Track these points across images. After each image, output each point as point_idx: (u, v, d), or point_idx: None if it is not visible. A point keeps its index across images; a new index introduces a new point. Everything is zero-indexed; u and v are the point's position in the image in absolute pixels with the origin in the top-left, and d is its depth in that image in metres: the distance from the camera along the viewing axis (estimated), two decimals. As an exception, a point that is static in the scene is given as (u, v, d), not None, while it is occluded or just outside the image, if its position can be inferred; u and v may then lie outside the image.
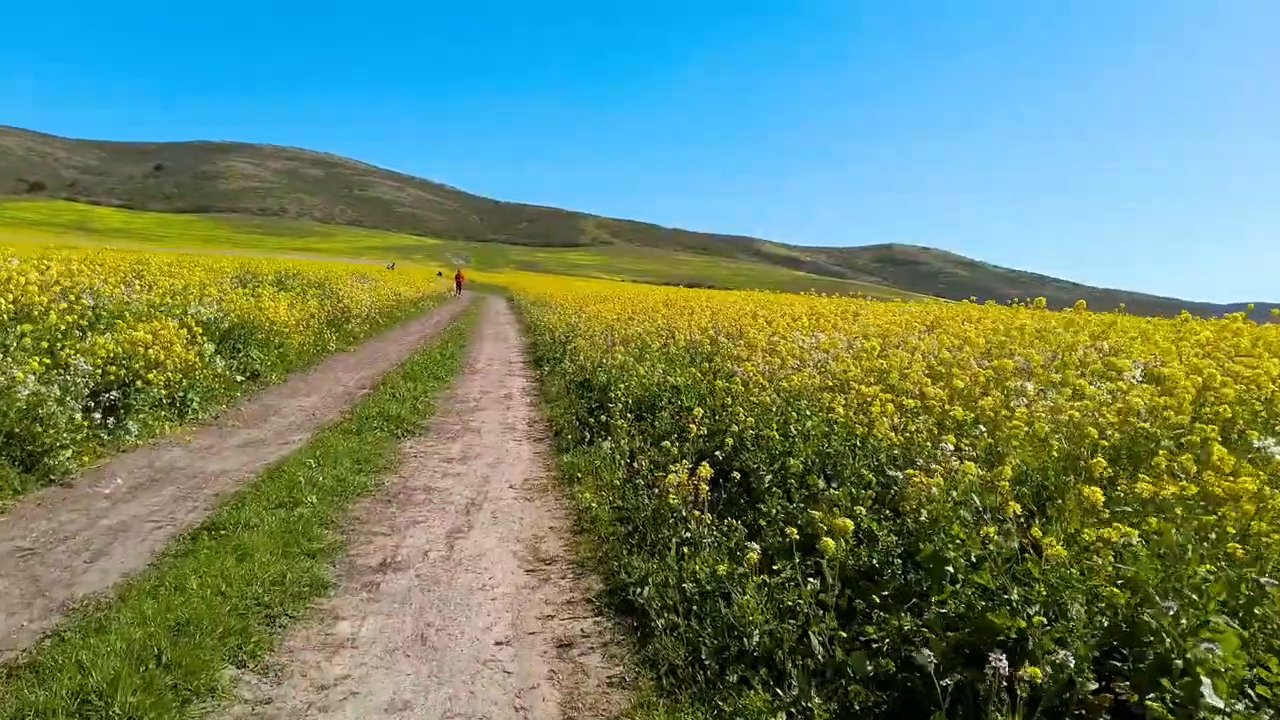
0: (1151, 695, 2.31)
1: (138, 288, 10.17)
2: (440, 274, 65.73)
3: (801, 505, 4.22)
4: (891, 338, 6.45)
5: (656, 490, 5.11)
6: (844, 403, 4.70)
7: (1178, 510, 2.80)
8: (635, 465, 6.01)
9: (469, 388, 11.42)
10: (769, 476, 4.57)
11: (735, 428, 5.24)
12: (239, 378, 9.91)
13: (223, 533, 4.81)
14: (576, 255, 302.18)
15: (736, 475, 4.79)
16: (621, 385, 7.78)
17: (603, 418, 7.91)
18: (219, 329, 9.96)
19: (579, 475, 6.35)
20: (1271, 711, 2.25)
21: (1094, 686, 2.47)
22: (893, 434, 4.14)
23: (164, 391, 7.52)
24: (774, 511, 4.26)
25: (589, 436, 7.42)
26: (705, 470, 4.56)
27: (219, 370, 8.80)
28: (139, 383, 7.15)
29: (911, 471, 3.60)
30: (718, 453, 5.10)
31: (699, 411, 5.55)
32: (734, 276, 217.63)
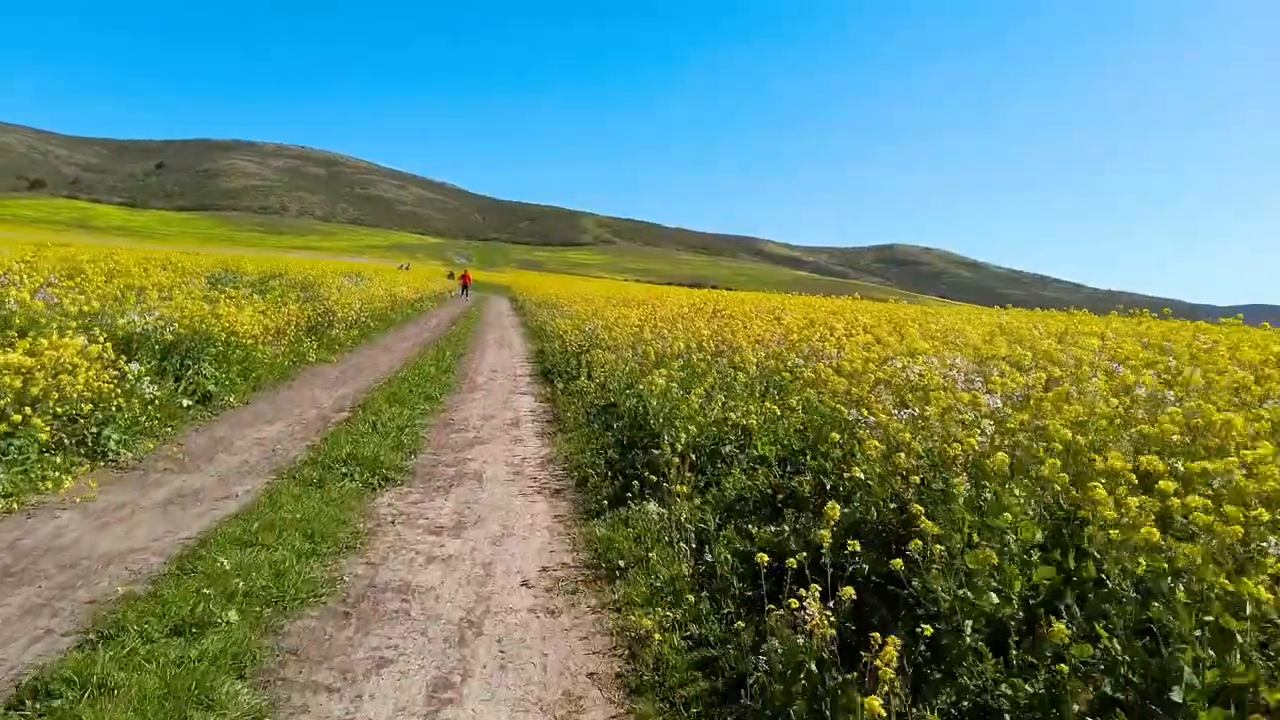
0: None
1: (66, 291, 8.29)
2: (404, 266, 64.55)
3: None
4: (1060, 365, 4.53)
5: (751, 612, 3.28)
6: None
7: None
8: (708, 554, 4.14)
9: (468, 410, 9.54)
10: (970, 627, 2.67)
11: (876, 513, 3.37)
12: (185, 402, 8.04)
13: (56, 703, 2.93)
14: (578, 254, 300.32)
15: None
16: (666, 419, 5.91)
17: (639, 459, 6.06)
18: (158, 342, 8.08)
19: (621, 564, 4.47)
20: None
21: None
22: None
23: (50, 433, 5.64)
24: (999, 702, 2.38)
25: (624, 489, 5.54)
26: (848, 593, 2.77)
27: (151, 396, 6.90)
28: (16, 419, 5.28)
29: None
30: (856, 557, 3.21)
31: (805, 484, 3.69)
32: (736, 276, 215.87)
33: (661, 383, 6.12)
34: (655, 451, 5.43)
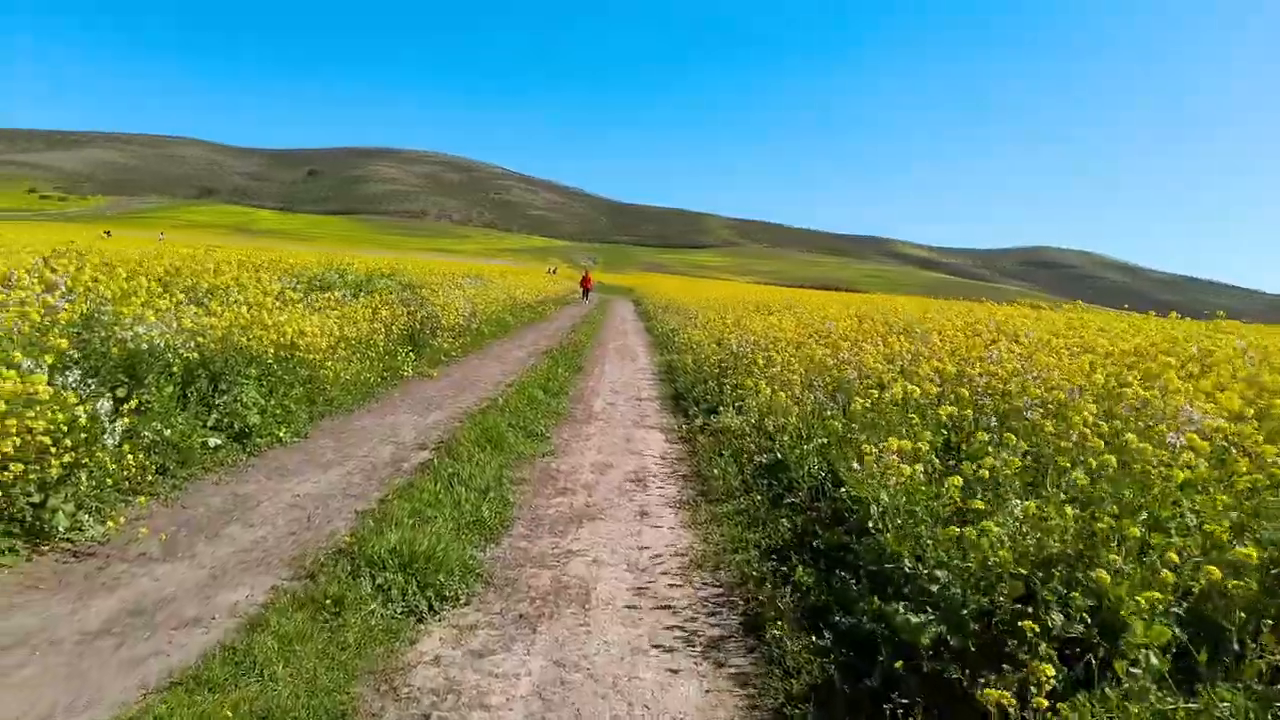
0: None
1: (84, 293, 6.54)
2: (552, 270, 63.24)
3: None
4: None
5: None
6: None
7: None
8: None
9: (580, 455, 7.20)
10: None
11: None
12: (212, 441, 6.10)
13: None
14: (703, 256, 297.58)
15: None
16: (909, 534, 3.32)
17: (864, 604, 3.54)
18: (177, 361, 6.16)
19: None
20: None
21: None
22: None
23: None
24: None
25: (857, 677, 3.01)
26: None
27: (118, 444, 4.88)
28: None
29: None
30: None
31: None
32: (867, 278, 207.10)
33: (895, 467, 3.52)
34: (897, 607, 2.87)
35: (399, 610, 3.85)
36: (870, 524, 3.70)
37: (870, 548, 3.60)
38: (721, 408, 8.20)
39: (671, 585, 4.34)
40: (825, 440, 5.53)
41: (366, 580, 4.05)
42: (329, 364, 8.25)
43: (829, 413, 5.79)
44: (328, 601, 3.78)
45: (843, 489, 4.55)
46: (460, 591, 4.11)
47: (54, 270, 7.47)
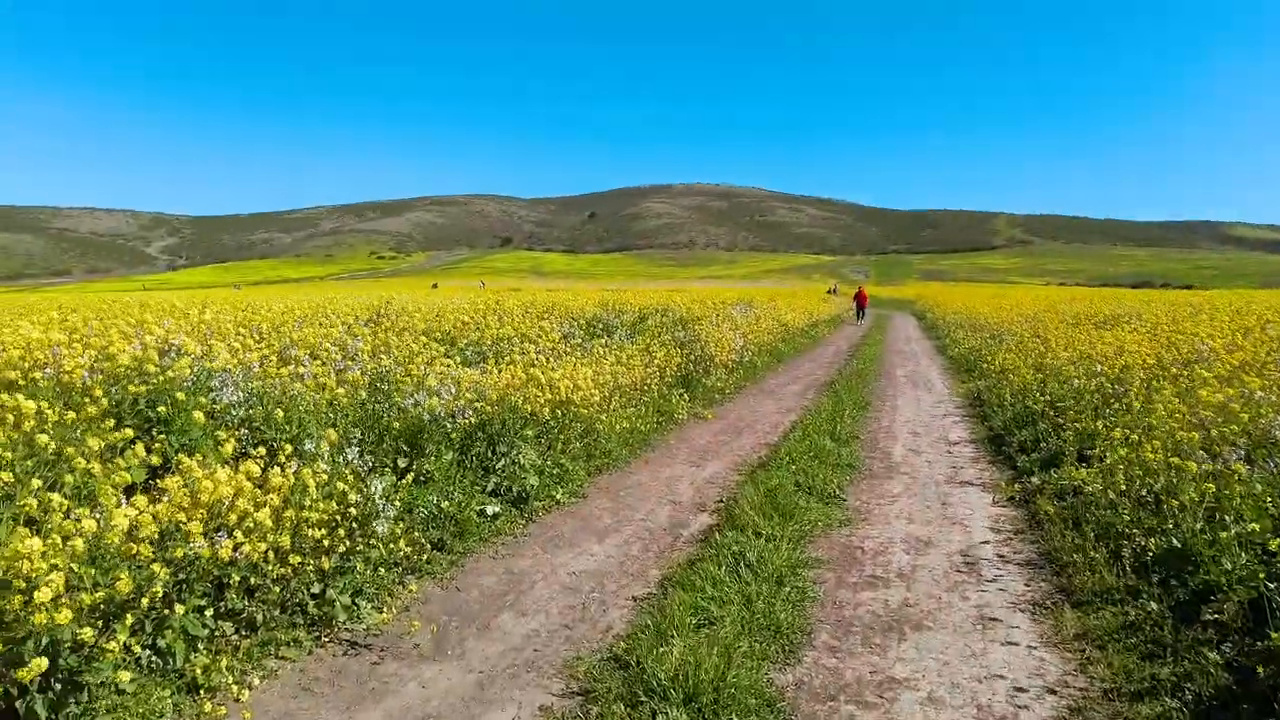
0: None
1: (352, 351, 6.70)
2: (832, 290, 59.99)
3: None
4: None
5: None
6: None
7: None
8: None
9: (883, 524, 6.01)
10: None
11: None
12: (490, 509, 5.85)
13: None
14: (989, 259, 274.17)
15: None
16: None
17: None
18: (456, 428, 6.00)
19: None
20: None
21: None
22: None
23: (208, 627, 3.49)
24: None
25: None
26: None
27: (389, 531, 4.63)
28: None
29: None
30: None
31: None
32: (1195, 270, 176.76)
33: None
34: None
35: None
36: None
37: None
38: (1063, 459, 6.56)
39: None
40: (1255, 526, 3.89)
41: (645, 715, 3.31)
42: (604, 416, 7.88)
43: (1253, 483, 4.12)
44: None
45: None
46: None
47: (354, 336, 7.86)
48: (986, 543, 5.53)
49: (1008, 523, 5.96)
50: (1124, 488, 5.10)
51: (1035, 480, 6.59)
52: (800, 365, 17.60)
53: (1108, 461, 5.49)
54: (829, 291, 59.21)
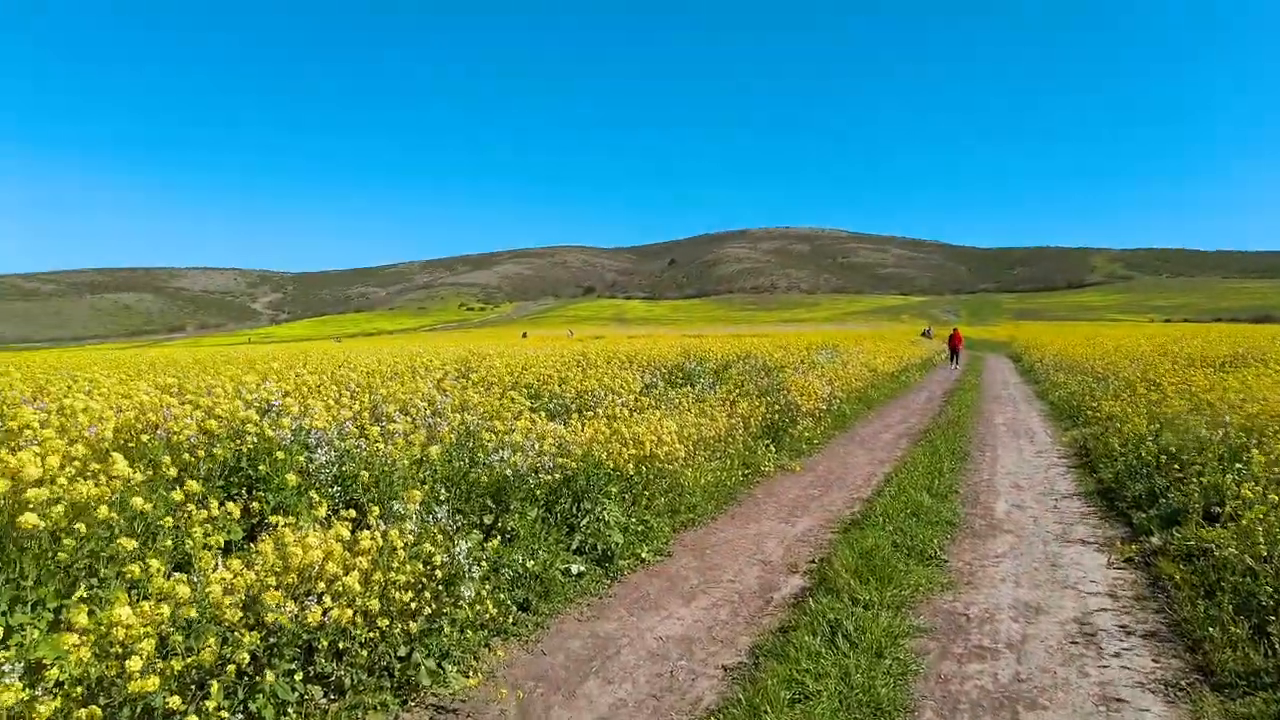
0: None
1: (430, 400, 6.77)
2: (926, 333, 57.85)
3: None
4: None
5: None
6: None
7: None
8: None
9: (990, 593, 5.61)
10: None
11: None
12: (575, 568, 5.77)
13: None
14: (1086, 296, 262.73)
15: None
16: None
17: None
18: (541, 484, 5.98)
19: None
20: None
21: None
22: None
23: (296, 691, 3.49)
24: None
25: None
26: None
27: (474, 594, 4.57)
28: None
29: None
30: None
31: None
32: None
33: None
34: None
35: None
36: None
37: None
38: (1186, 517, 6.05)
39: None
40: None
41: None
42: (688, 470, 7.74)
43: None
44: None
45: None
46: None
47: (444, 391, 7.99)
48: (1105, 610, 5.10)
49: (1127, 587, 5.50)
50: (1265, 552, 4.63)
51: (1155, 540, 6.09)
52: (892, 412, 17.05)
53: (1243, 521, 5.01)
54: (923, 334, 57.01)
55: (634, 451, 6.79)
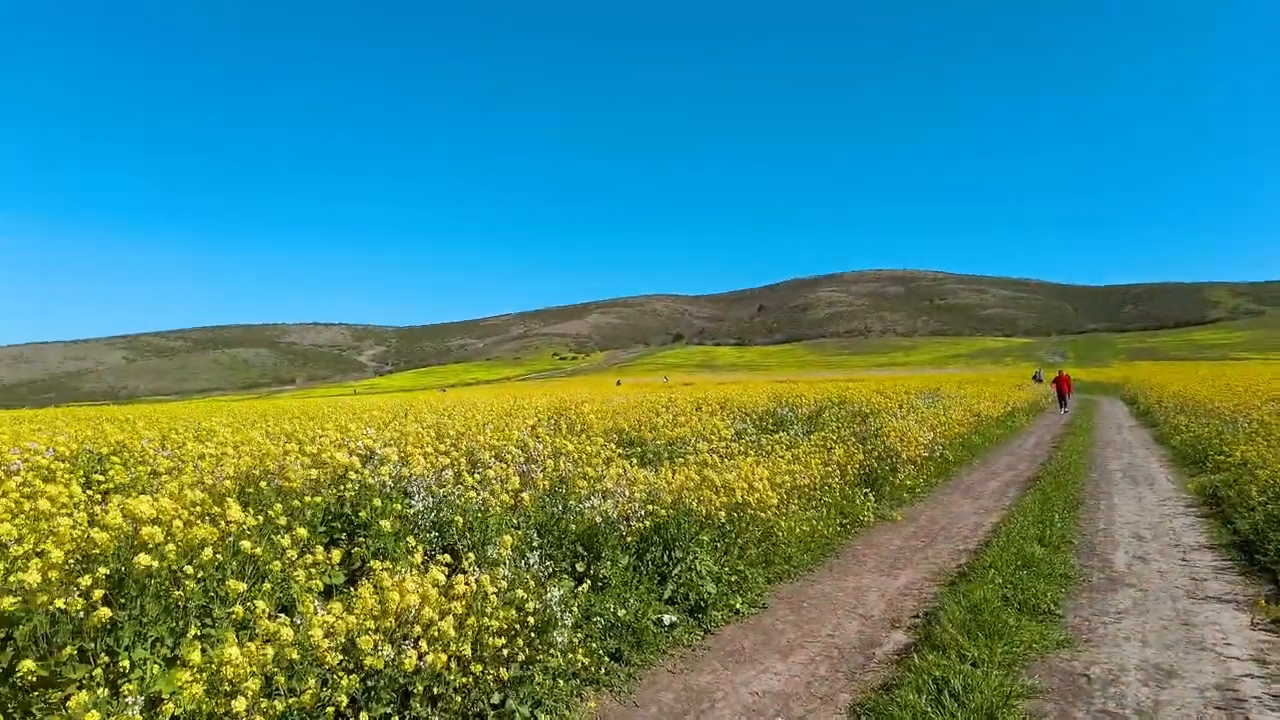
0: None
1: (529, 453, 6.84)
2: (1036, 377, 54.72)
3: None
4: None
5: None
6: None
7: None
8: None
9: (1113, 652, 5.16)
10: None
11: None
12: (668, 618, 5.68)
13: None
14: (1207, 334, 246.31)
15: None
16: None
17: None
18: (631, 531, 5.94)
19: None
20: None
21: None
22: None
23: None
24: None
25: None
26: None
27: (568, 641, 4.54)
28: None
29: None
30: None
31: None
32: None
33: None
34: None
35: None
36: None
37: None
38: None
39: None
40: None
41: None
42: (782, 520, 7.56)
43: None
44: None
45: None
46: None
47: (537, 438, 8.11)
48: (1251, 676, 4.64)
49: (1276, 652, 4.99)
50: None
51: (1306, 600, 5.54)
52: (998, 459, 16.27)
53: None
54: (1033, 378, 53.92)
55: (725, 499, 6.68)
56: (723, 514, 6.64)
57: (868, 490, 10.34)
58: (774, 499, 7.22)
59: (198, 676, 2.85)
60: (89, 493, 4.59)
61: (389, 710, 3.67)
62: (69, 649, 3.13)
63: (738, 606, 6.25)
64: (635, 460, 7.71)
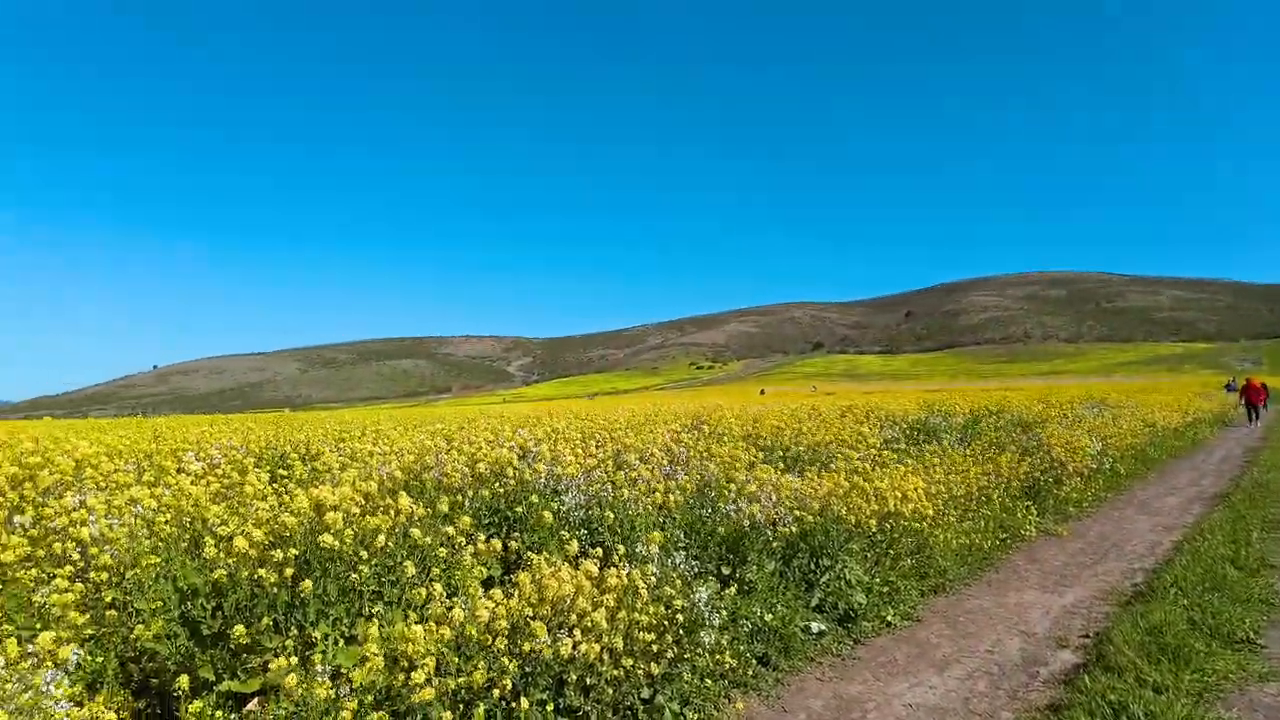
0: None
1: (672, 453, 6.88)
2: (1231, 385, 48.31)
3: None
4: None
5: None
6: None
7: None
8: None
9: (1327, 679, 4.67)
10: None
11: None
12: (815, 626, 5.59)
13: None
14: None
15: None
16: None
17: None
18: (778, 536, 5.88)
19: None
20: None
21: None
22: None
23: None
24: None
25: None
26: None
27: (714, 644, 4.54)
28: None
29: None
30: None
31: None
32: None
33: None
34: None
35: None
36: None
37: None
38: None
39: None
40: None
41: None
42: (937, 531, 7.25)
43: None
44: None
45: None
46: None
47: (679, 442, 8.20)
48: None
49: None
50: None
51: None
52: (1177, 473, 14.87)
53: None
54: (1226, 386, 47.79)
55: (876, 507, 6.48)
56: (873, 523, 6.45)
57: (1030, 503, 9.74)
58: (929, 509, 6.94)
59: (378, 651, 3.08)
60: (274, 485, 5.08)
61: (544, 697, 3.81)
62: (265, 619, 3.48)
63: (889, 618, 6.05)
64: (780, 466, 7.63)
